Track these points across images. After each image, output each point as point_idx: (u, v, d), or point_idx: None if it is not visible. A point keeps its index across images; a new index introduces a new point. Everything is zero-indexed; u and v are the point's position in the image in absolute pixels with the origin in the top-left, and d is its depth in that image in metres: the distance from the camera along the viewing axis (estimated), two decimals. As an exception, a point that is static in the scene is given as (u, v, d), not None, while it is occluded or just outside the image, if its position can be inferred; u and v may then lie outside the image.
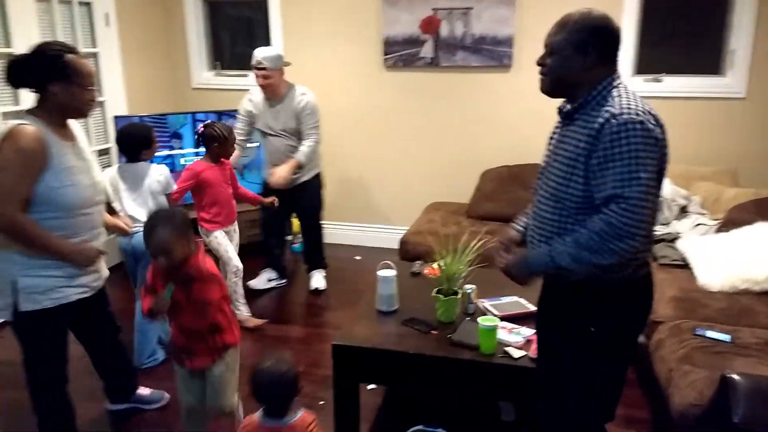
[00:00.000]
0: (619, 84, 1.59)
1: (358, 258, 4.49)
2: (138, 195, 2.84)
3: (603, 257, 1.49)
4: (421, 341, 2.20)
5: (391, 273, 2.44)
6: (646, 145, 1.46)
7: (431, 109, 4.40)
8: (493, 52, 4.11)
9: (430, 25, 4.16)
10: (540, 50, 1.67)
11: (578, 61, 1.58)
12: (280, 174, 3.44)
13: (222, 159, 3.19)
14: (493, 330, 2.01)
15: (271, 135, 3.64)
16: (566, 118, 1.66)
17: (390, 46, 4.28)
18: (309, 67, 4.52)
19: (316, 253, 3.98)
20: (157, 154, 3.13)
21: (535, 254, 1.65)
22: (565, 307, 1.68)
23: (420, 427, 2.21)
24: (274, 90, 3.55)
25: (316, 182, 3.80)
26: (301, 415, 1.78)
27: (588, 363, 1.63)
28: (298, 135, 3.56)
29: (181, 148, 4.22)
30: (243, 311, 3.35)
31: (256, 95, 3.65)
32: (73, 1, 3.78)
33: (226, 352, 2.15)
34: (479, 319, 2.05)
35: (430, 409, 2.46)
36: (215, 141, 3.09)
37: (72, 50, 2.00)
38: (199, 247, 2.05)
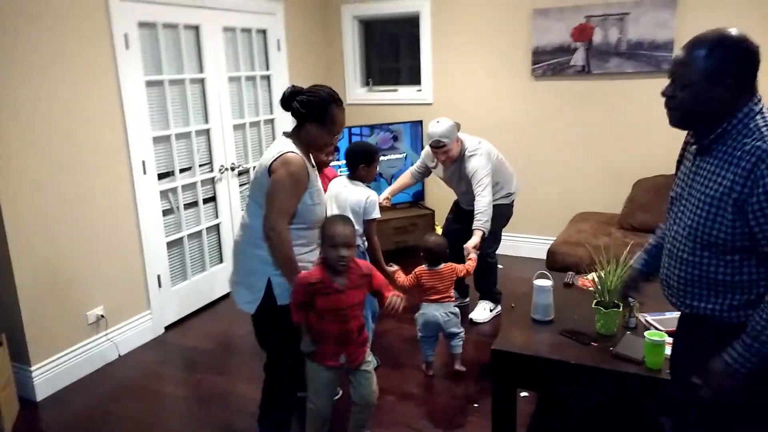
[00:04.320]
0: (762, 109, 1.42)
1: (500, 267, 4.53)
2: (341, 210, 2.88)
3: None
4: (581, 352, 2.22)
5: (547, 283, 2.48)
6: None
7: (579, 118, 4.34)
8: (650, 58, 3.96)
9: (583, 32, 4.11)
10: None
11: (715, 93, 1.40)
12: (470, 248, 3.15)
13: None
14: (661, 345, 1.98)
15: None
16: (701, 150, 1.49)
17: (539, 55, 4.29)
18: (456, 79, 4.68)
19: (482, 281, 3.70)
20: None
21: (736, 356, 1.41)
22: (708, 346, 1.49)
23: (579, 436, 2.23)
24: (452, 159, 3.40)
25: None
26: (445, 264, 3.01)
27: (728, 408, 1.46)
28: (471, 187, 3.38)
29: (338, 160, 4.58)
30: None
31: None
32: (252, 30, 4.28)
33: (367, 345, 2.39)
34: (646, 333, 2.03)
35: (583, 419, 2.47)
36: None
37: (338, 100, 2.29)
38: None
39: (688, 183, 1.52)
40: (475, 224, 3.22)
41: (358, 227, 2.87)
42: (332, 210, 2.95)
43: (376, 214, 2.92)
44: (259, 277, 2.26)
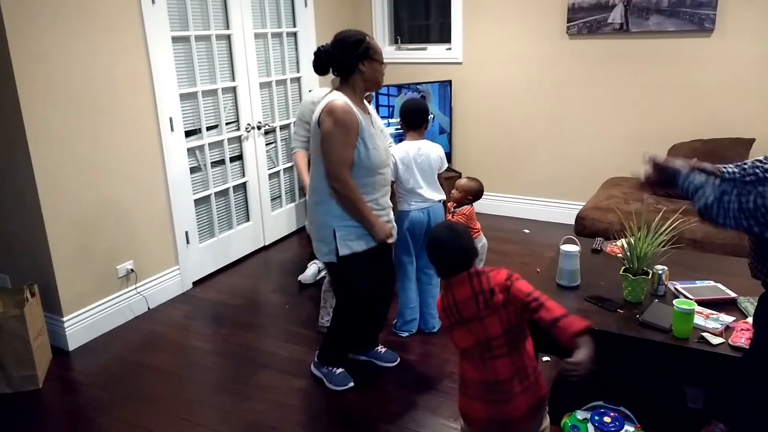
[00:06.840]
0: None
1: (526, 231, 4.48)
2: (423, 171, 2.90)
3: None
4: (607, 319, 2.19)
5: (574, 248, 2.44)
6: None
7: (615, 79, 4.18)
8: (693, 16, 3.76)
9: (622, -12, 3.92)
10: (749, 9, 1.50)
11: None
12: None
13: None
14: (690, 314, 1.94)
15: None
16: None
17: (574, 12, 4.12)
18: (487, 37, 4.53)
19: None
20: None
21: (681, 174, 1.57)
22: None
23: (600, 402, 2.21)
24: None
25: None
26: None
27: None
28: None
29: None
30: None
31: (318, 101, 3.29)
32: (278, -15, 4.19)
33: None
34: (675, 302, 1.99)
35: (605, 386, 2.45)
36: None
37: (367, 35, 2.34)
38: None
39: None
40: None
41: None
42: (414, 174, 2.90)
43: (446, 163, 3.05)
44: (328, 230, 2.37)
